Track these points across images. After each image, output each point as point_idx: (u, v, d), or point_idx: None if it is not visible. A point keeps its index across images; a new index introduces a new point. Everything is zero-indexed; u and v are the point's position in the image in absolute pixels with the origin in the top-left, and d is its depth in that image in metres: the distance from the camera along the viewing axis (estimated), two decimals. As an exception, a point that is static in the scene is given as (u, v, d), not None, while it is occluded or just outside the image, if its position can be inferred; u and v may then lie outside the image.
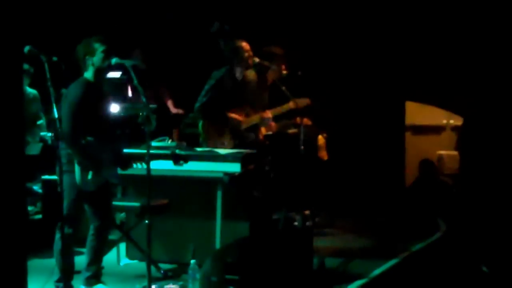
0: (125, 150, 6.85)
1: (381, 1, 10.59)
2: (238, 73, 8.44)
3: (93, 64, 6.49)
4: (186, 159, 6.90)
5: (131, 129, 7.51)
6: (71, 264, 6.51)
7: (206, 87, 8.25)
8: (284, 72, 8.65)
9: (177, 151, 6.96)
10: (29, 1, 4.73)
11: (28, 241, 4.48)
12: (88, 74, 6.52)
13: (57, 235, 6.36)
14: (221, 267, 6.47)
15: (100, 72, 6.57)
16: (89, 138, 6.29)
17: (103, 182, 6.39)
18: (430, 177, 11.20)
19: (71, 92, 6.42)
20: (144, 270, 6.28)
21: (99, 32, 6.74)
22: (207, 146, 8.00)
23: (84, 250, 6.65)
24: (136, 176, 7.12)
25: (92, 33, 6.67)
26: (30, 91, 8.85)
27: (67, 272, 6.42)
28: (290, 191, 8.20)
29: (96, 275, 6.54)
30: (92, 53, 6.48)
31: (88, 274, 6.52)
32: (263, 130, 8.59)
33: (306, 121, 8.50)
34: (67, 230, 6.29)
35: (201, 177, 7.13)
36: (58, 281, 6.45)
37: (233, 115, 8.29)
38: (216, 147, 7.77)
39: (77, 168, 6.27)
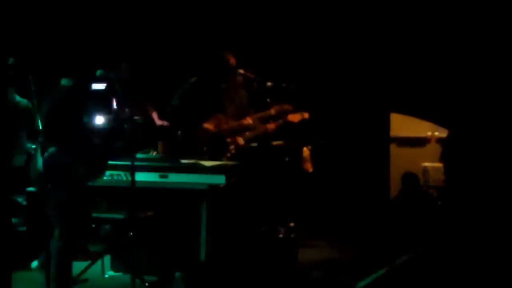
0: (110, 162, 6.85)
1: (365, 14, 10.63)
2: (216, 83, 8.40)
3: None
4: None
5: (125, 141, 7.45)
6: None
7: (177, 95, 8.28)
8: (269, 84, 8.62)
9: None
10: (15, 13, 4.73)
11: (12, 253, 4.47)
12: (65, 80, 6.47)
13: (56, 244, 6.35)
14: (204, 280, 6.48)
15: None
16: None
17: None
18: (413, 190, 11.22)
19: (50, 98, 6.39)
20: (129, 282, 6.28)
21: (86, 44, 6.72)
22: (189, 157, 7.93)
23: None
24: (120, 188, 7.11)
25: (80, 45, 6.66)
26: (20, 100, 8.63)
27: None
28: (275, 203, 8.19)
29: None
30: None
31: None
32: (239, 139, 8.51)
33: (287, 107, 8.53)
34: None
35: (185, 189, 7.13)
36: None
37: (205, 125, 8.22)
38: (195, 158, 7.69)
39: None
